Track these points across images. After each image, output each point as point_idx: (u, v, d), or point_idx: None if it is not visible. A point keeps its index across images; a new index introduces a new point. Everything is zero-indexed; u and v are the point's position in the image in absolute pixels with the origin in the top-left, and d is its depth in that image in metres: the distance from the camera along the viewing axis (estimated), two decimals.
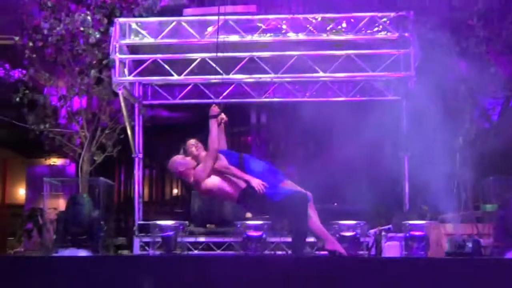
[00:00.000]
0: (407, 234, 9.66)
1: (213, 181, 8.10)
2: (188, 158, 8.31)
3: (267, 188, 8.02)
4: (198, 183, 8.11)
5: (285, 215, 8.36)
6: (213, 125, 8.09)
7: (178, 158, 8.36)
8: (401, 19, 11.27)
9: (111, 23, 12.00)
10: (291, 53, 11.33)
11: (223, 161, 8.20)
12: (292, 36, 11.45)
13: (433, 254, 9.59)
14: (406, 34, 11.18)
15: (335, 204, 11.92)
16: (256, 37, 11.46)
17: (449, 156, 11.00)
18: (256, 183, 7.96)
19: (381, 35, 11.39)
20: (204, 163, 8.07)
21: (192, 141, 8.49)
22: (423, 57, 10.95)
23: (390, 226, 10.32)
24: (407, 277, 6.33)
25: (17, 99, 12.92)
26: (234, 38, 11.35)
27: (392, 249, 9.61)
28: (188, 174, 8.22)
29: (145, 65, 11.55)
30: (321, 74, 11.38)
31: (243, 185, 8.10)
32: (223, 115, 8.32)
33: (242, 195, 8.08)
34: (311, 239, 8.75)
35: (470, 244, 8.89)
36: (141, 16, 12.41)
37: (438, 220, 10.28)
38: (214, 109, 8.19)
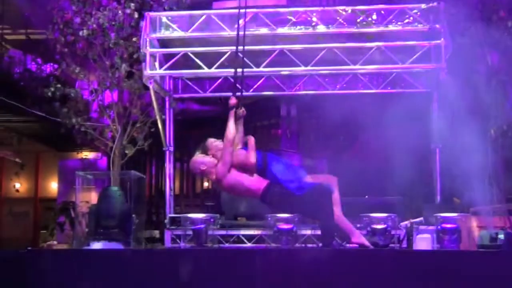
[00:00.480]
0: (439, 227, 9.59)
1: (235, 177, 8.08)
2: (208, 157, 8.31)
3: (291, 184, 8.01)
4: (220, 180, 8.09)
5: (310, 209, 8.32)
6: (230, 116, 8.09)
7: (198, 157, 8.35)
8: (431, 11, 11.20)
9: (141, 17, 12.05)
10: (321, 45, 11.30)
11: (247, 158, 8.19)
12: (322, 28, 11.42)
13: (464, 247, 9.53)
14: (437, 26, 11.10)
15: (366, 196, 11.87)
16: (286, 30, 11.45)
17: (481, 148, 10.92)
18: None
19: (412, 26, 11.33)
20: (221, 157, 8.07)
21: (211, 140, 8.50)
22: (454, 49, 10.87)
23: (421, 218, 10.27)
24: (438, 270, 6.31)
25: (49, 93, 13.01)
26: (264, 31, 11.35)
27: (423, 242, 9.54)
28: (210, 172, 8.20)
29: (175, 58, 11.57)
30: (351, 66, 11.34)
31: (266, 181, 8.09)
32: (243, 109, 8.31)
33: (266, 192, 8.07)
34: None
35: (502, 237, 8.81)
36: (171, 9, 12.44)
37: (470, 213, 10.21)
38: (232, 100, 8.18)
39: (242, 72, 8.75)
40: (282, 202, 8.24)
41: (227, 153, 7.96)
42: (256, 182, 8.10)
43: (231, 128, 8.00)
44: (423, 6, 11.25)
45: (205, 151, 8.40)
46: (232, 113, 8.07)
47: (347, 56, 11.29)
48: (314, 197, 7.97)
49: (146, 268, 6.68)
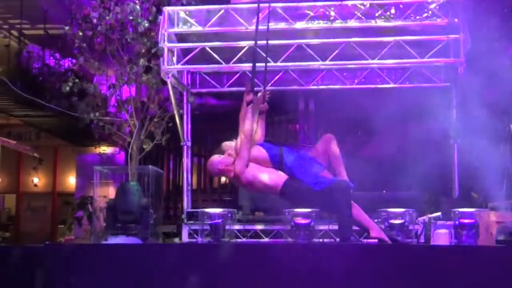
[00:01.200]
0: (457, 222, 9.53)
1: (254, 173, 8.08)
2: (224, 156, 8.31)
3: (309, 179, 8.01)
4: (238, 177, 8.09)
5: (329, 204, 8.31)
6: (247, 112, 8.07)
7: (214, 158, 8.37)
8: (450, 4, 11.13)
9: (159, 11, 12.07)
10: (339, 40, 11.27)
11: (263, 154, 8.18)
12: (340, 23, 11.39)
13: (483, 242, 9.48)
14: (456, 20, 11.04)
15: (384, 191, 11.84)
16: (304, 25, 11.43)
17: (500, 143, 10.87)
18: None
19: (430, 21, 11.27)
20: (239, 154, 8.06)
21: (225, 142, 8.53)
22: (473, 43, 10.81)
23: (439, 213, 10.22)
24: (456, 265, 6.30)
25: (67, 88, 13.05)
26: (282, 25, 11.33)
27: (441, 237, 9.48)
28: (228, 171, 8.20)
29: (193, 53, 11.57)
30: (369, 61, 11.30)
31: (285, 176, 8.08)
32: (265, 103, 8.31)
33: (284, 187, 8.06)
34: (356, 227, 8.75)
35: None
36: (189, 4, 12.45)
37: (489, 208, 10.15)
38: (248, 96, 8.18)
39: (266, 67, 8.74)
40: (301, 197, 8.24)
41: (245, 149, 7.95)
42: (274, 177, 8.10)
43: (248, 123, 8.00)
44: (442, 0, 11.20)
45: (221, 153, 8.42)
46: (248, 109, 8.07)
47: (365, 50, 11.25)
48: (333, 192, 7.97)
49: (164, 263, 6.70)
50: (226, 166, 8.18)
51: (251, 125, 8.05)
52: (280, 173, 8.24)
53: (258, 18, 8.70)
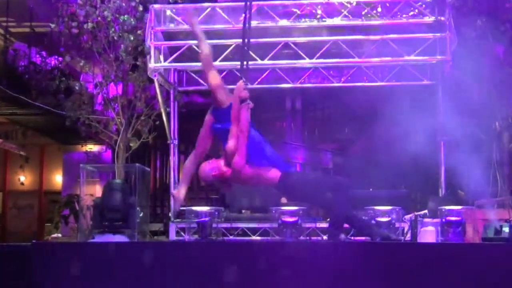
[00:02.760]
0: (443, 220, 9.59)
1: (253, 167, 8.08)
2: (212, 160, 8.27)
3: (276, 163, 8.04)
4: (238, 173, 8.04)
5: (323, 200, 8.30)
6: (242, 109, 8.05)
7: (203, 166, 8.26)
8: (437, 3, 11.17)
9: (146, 9, 12.05)
10: (326, 38, 11.30)
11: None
12: (327, 21, 11.40)
13: (469, 240, 9.53)
14: (442, 18, 11.08)
15: (371, 189, 11.86)
16: (291, 23, 11.44)
17: (486, 141, 10.91)
18: None
19: (417, 19, 11.31)
20: (238, 150, 8.05)
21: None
22: (460, 41, 10.85)
23: (426, 211, 10.26)
24: (443, 262, 6.31)
25: (54, 86, 13.04)
26: (268, 23, 11.34)
27: (428, 234, 9.53)
28: (223, 174, 8.14)
29: (180, 51, 11.57)
30: (356, 59, 11.33)
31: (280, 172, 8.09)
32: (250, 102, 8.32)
33: (282, 180, 8.06)
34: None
35: (507, 230, 8.80)
36: (176, 2, 12.43)
37: (475, 206, 10.20)
38: (244, 94, 8.15)
39: (247, 64, 8.72)
40: (296, 190, 8.21)
41: (244, 145, 7.94)
42: (273, 170, 8.09)
43: (245, 119, 7.96)
44: None
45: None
46: (244, 105, 8.04)
47: (352, 48, 11.28)
48: (330, 189, 7.98)
49: (150, 261, 6.69)
50: (219, 170, 8.13)
51: (248, 121, 8.02)
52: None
53: (246, 14, 8.67)
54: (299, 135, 16.33)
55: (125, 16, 12.34)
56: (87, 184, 12.53)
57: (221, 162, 8.09)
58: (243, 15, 8.80)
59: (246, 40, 8.40)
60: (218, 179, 8.20)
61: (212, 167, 8.13)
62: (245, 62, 8.49)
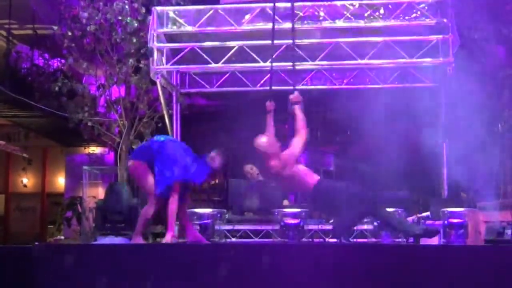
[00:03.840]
0: (446, 222, 9.59)
1: (295, 169, 8.06)
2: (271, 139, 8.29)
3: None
4: (283, 168, 8.00)
5: (344, 208, 8.23)
6: (297, 110, 8.14)
7: (266, 138, 8.30)
8: (439, 5, 11.16)
9: (148, 11, 12.06)
10: (328, 40, 11.29)
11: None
12: (329, 23, 11.39)
13: (471, 242, 9.52)
14: (445, 20, 11.06)
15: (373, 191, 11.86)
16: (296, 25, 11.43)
17: (488, 142, 10.91)
18: None
19: (419, 21, 11.30)
20: (296, 147, 8.06)
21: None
22: (462, 43, 10.84)
23: (428, 213, 10.26)
24: (445, 264, 6.30)
25: (56, 88, 13.05)
26: (271, 25, 11.33)
27: None
28: (273, 156, 8.09)
29: (183, 53, 11.56)
30: (358, 61, 11.32)
31: (318, 176, 8.09)
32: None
33: (317, 187, 8.02)
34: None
35: (509, 231, 8.80)
36: (178, 4, 12.45)
37: (477, 207, 10.20)
38: (269, 104, 8.27)
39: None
40: (325, 198, 8.15)
41: (302, 145, 7.95)
42: (310, 176, 8.08)
43: (301, 119, 8.06)
44: (431, 0, 11.22)
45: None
46: (296, 108, 8.15)
47: (354, 50, 11.27)
48: (353, 198, 7.95)
49: (153, 263, 6.69)
50: (276, 152, 8.07)
51: (303, 120, 8.15)
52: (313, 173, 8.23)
53: (274, 17, 8.70)
54: None
55: (128, 18, 12.35)
56: (90, 186, 12.57)
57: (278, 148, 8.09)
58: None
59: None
60: (266, 156, 8.14)
61: (275, 144, 8.09)
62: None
